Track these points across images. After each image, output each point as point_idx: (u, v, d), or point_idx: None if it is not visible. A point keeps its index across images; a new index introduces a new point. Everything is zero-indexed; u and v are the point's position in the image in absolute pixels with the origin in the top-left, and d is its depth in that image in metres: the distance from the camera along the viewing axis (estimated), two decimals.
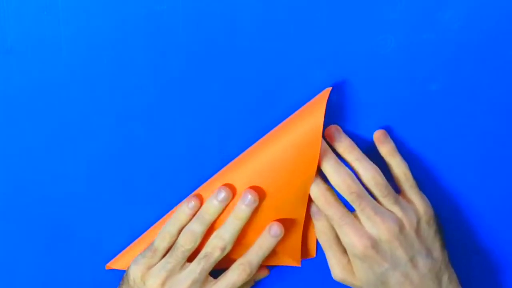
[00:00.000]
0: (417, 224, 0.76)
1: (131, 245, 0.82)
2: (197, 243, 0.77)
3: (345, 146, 0.76)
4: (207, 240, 0.78)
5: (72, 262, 0.83)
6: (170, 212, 0.80)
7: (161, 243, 0.78)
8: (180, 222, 0.78)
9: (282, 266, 0.83)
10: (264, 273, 0.83)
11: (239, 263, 0.79)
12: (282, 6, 0.75)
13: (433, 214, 0.78)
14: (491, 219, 0.82)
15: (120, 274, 0.82)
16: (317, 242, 0.82)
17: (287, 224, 0.79)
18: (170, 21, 0.75)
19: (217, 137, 0.79)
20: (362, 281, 0.78)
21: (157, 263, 0.78)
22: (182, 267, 0.78)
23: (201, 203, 0.78)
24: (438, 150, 0.80)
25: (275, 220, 0.78)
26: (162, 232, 0.78)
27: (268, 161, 0.75)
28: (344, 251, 0.79)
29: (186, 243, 0.77)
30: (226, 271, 0.79)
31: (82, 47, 0.76)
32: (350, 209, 0.76)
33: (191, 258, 0.78)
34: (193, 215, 0.78)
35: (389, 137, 0.77)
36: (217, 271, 0.79)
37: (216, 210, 0.77)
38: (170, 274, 0.78)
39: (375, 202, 0.76)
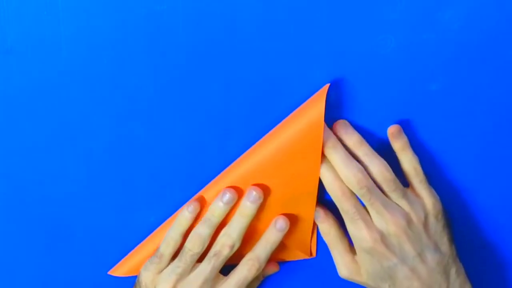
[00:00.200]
0: (425, 218, 0.77)
1: (133, 251, 0.82)
2: (205, 246, 0.78)
3: (354, 141, 0.76)
4: (215, 239, 0.78)
5: (72, 263, 0.83)
6: (170, 218, 0.80)
7: (166, 249, 0.79)
8: (182, 227, 0.78)
9: (290, 263, 0.83)
10: (274, 268, 0.83)
11: (248, 259, 0.79)
12: (282, 6, 0.75)
13: (442, 208, 0.78)
14: (498, 214, 0.82)
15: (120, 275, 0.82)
16: (317, 242, 0.83)
17: (295, 218, 0.79)
18: (170, 21, 0.75)
19: (217, 137, 0.79)
20: (369, 276, 0.78)
21: (166, 267, 0.79)
22: (192, 268, 0.78)
23: (202, 206, 0.78)
24: (438, 150, 0.80)
25: (281, 214, 0.78)
26: (166, 238, 0.79)
27: (271, 159, 0.75)
28: (349, 248, 0.80)
29: (194, 247, 0.77)
30: (236, 268, 0.79)
31: (82, 47, 0.76)
32: None
33: (199, 258, 0.79)
34: (194, 218, 0.78)
35: (403, 133, 0.77)
36: (226, 268, 0.80)
37: (222, 212, 0.77)
38: (180, 278, 0.78)
39: (384, 196, 0.76)
